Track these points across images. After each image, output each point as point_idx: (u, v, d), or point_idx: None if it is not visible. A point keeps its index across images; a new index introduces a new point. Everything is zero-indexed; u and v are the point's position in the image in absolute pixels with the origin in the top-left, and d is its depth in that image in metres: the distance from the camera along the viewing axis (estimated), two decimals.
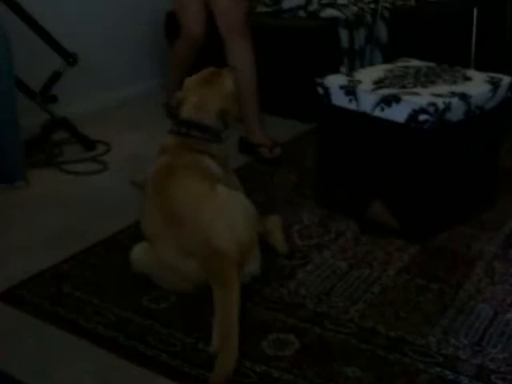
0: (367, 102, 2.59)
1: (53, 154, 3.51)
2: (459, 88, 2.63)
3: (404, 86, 2.63)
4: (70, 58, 3.50)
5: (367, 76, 2.77)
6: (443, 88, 2.63)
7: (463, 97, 2.55)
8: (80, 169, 3.38)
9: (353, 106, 2.64)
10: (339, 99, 2.68)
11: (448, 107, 2.48)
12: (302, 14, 4.26)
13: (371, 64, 4.21)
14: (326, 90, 2.72)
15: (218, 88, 2.58)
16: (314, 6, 4.26)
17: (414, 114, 2.46)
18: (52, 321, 2.17)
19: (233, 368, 1.90)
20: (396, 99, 2.50)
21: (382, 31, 4.41)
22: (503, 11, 4.03)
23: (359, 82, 2.69)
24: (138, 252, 2.33)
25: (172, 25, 4.02)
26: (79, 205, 3.00)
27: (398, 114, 2.51)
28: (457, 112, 2.53)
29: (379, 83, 2.67)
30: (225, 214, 2.28)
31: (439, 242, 2.62)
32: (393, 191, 2.65)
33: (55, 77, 3.52)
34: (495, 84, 2.70)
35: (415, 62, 3.01)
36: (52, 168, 3.38)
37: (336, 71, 3.81)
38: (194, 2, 3.50)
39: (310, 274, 2.42)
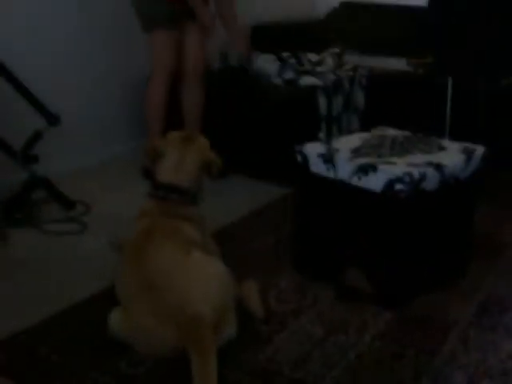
0: (345, 170, 2.64)
1: (32, 214, 3.52)
2: (434, 158, 2.70)
3: (380, 156, 2.69)
4: (52, 119, 3.54)
5: (345, 144, 2.83)
6: (419, 158, 2.69)
7: (438, 167, 2.61)
8: (59, 229, 3.38)
9: (330, 174, 2.70)
10: (317, 167, 2.74)
11: (423, 177, 2.54)
12: (278, 81, 4.34)
13: (348, 129, 4.30)
14: (305, 157, 2.78)
15: (197, 145, 2.63)
16: (289, 75, 4.35)
17: (390, 184, 2.51)
18: None
19: None
20: (373, 168, 2.56)
21: (360, 98, 4.52)
22: (477, 82, 4.14)
23: (337, 150, 2.75)
24: (114, 317, 2.33)
25: None
26: (57, 265, 3.00)
27: (374, 182, 2.56)
28: (432, 181, 2.59)
29: (356, 152, 2.73)
30: (200, 280, 2.29)
31: (414, 308, 2.65)
32: (369, 258, 2.69)
33: (37, 136, 3.55)
34: (469, 154, 2.77)
35: (391, 131, 3.09)
36: (31, 227, 3.39)
37: (314, 137, 3.89)
38: (172, 41, 3.89)
39: (287, 339, 2.43)
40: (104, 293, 2.70)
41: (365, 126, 3.17)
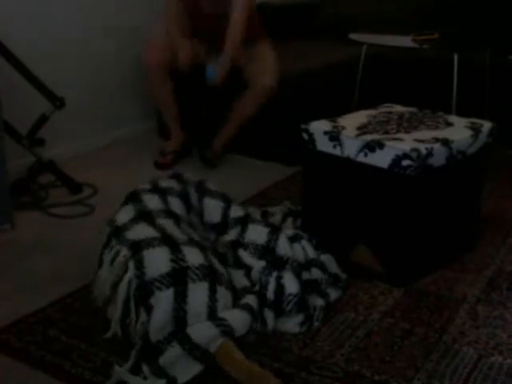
0: (351, 147, 2.63)
1: (39, 197, 3.53)
2: (441, 134, 2.68)
3: (387, 132, 2.68)
4: (57, 102, 3.53)
5: (351, 122, 2.82)
6: (425, 134, 2.68)
7: (445, 142, 2.59)
8: (66, 212, 3.38)
9: (337, 152, 2.68)
10: (323, 145, 2.73)
11: (430, 153, 2.52)
12: None
13: None
14: (311, 135, 2.76)
15: None
16: None
17: (397, 160, 2.50)
18: (38, 366, 2.16)
19: None
20: (379, 145, 2.55)
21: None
22: (483, 58, 4.12)
23: (343, 127, 2.73)
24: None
25: None
26: (65, 248, 3.00)
27: (381, 159, 2.55)
28: (439, 157, 2.58)
29: (362, 129, 2.72)
30: None
31: (423, 285, 2.65)
32: (377, 235, 2.69)
33: (42, 120, 3.54)
34: (476, 130, 2.75)
35: (398, 108, 3.07)
36: (38, 211, 3.39)
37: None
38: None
39: None
40: None
41: (371, 103, 3.15)
